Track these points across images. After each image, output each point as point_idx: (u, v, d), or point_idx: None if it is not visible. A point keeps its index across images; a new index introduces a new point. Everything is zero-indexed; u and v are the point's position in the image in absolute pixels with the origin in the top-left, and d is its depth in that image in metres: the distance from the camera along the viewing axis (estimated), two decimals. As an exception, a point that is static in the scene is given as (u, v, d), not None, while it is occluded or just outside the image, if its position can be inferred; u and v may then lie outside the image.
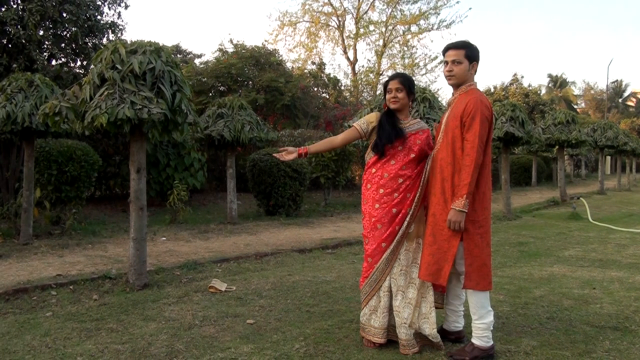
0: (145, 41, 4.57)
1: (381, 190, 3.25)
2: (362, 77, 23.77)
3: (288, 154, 3.40)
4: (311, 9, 24.10)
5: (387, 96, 3.37)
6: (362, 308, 3.32)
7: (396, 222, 3.22)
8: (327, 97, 20.07)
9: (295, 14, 24.56)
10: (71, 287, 4.65)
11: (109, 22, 10.40)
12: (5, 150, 8.20)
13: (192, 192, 11.68)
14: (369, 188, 3.32)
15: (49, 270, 5.26)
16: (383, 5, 24.01)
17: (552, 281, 5.03)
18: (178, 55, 20.29)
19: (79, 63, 10.41)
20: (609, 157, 33.30)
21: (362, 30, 24.13)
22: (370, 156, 3.38)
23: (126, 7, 10.87)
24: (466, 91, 3.12)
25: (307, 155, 3.41)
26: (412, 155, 3.27)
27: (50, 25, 9.26)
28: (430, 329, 3.15)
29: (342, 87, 22.45)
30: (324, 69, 21.83)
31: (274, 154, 3.34)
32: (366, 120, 3.39)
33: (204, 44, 68.93)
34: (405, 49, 24.28)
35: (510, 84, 34.40)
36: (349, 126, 3.38)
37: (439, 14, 25.70)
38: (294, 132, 14.49)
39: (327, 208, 11.67)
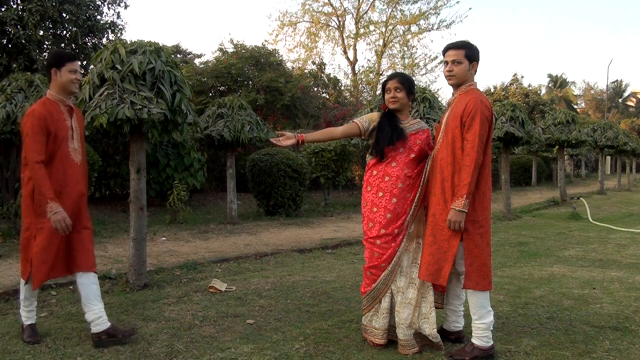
0: (145, 41, 4.56)
1: (380, 194, 3.22)
2: (362, 77, 23.73)
3: (286, 139, 3.21)
4: (311, 9, 24.05)
5: (386, 96, 3.32)
6: (364, 313, 3.32)
7: (395, 225, 3.20)
8: (327, 97, 20.04)
9: (295, 14, 24.50)
10: (71, 287, 4.64)
11: (109, 22, 10.40)
12: (5, 150, 8.19)
13: (192, 192, 11.67)
14: (369, 190, 3.29)
15: (49, 270, 5.26)
16: (383, 5, 23.96)
17: (552, 281, 5.03)
18: (178, 55, 20.27)
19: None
20: (609, 157, 33.30)
21: (362, 30, 24.08)
22: (371, 157, 3.33)
23: (126, 7, 10.89)
24: (466, 91, 3.12)
25: (304, 143, 3.29)
26: (412, 156, 3.25)
27: (50, 25, 9.26)
28: (430, 329, 3.15)
29: (342, 87, 22.42)
30: (324, 69, 21.81)
31: (272, 139, 3.27)
32: (368, 119, 3.34)
33: (204, 44, 68.98)
34: (405, 49, 24.23)
35: (510, 84, 34.37)
36: None
37: (439, 14, 25.60)
38: (294, 132, 14.46)
39: (327, 208, 11.68)
